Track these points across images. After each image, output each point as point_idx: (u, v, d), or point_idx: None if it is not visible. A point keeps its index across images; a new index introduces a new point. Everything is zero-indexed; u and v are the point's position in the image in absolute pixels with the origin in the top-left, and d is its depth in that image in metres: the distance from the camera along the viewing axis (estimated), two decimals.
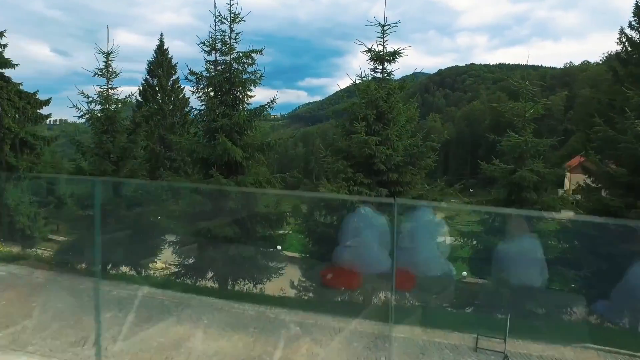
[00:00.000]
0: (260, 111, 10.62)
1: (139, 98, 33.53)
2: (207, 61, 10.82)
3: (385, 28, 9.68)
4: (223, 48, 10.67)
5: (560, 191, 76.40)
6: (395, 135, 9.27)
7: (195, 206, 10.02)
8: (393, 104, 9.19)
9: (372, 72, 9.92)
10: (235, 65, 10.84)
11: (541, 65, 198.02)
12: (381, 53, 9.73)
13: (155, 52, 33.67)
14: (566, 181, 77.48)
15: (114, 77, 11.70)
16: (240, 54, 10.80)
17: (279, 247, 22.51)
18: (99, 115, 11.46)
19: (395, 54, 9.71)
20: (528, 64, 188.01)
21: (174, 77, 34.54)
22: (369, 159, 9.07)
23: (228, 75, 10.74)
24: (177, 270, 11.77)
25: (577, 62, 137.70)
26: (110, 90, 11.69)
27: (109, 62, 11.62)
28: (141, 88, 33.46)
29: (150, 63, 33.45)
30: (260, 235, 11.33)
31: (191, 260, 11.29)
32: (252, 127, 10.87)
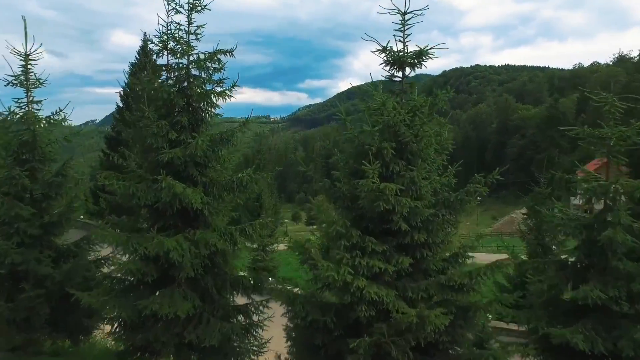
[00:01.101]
0: (229, 136, 7.51)
1: (120, 104, 30.59)
2: (157, 66, 7.76)
3: (407, 17, 6.58)
4: (177, 47, 7.59)
5: (574, 199, 73.00)
6: (423, 176, 6.15)
7: (134, 274, 6.94)
8: (420, 131, 6.07)
9: (388, 79, 6.83)
10: (195, 71, 7.77)
11: (548, 67, 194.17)
12: (401, 54, 6.62)
13: (138, 52, 30.64)
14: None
15: (34, 87, 8.66)
16: (203, 56, 7.73)
17: (270, 279, 19.12)
18: (11, 139, 8.40)
19: (421, 56, 6.60)
20: (535, 65, 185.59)
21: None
22: (385, 215, 5.96)
23: (185, 85, 7.67)
24: (121, 349, 8.68)
25: (585, 63, 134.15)
26: (30, 105, 8.65)
27: (28, 66, 8.57)
28: (122, 93, 30.48)
29: (132, 65, 30.42)
30: (232, 307, 8.25)
31: (137, 341, 8.18)
32: (219, 158, 7.78)
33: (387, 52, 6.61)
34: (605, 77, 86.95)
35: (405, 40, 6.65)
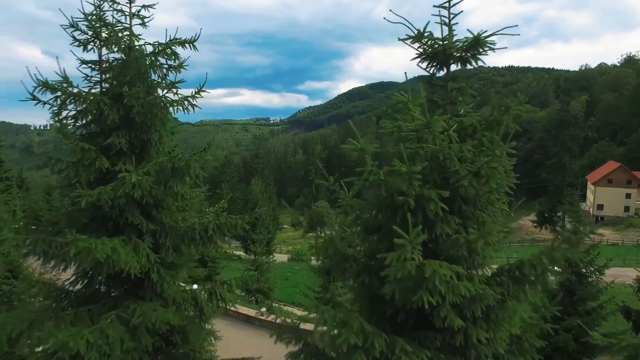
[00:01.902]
0: (184, 167, 5.11)
1: None
2: (85, 62, 5.42)
3: None
4: (111, 36, 5.23)
5: (584, 204, 70.51)
6: (487, 240, 3.75)
7: None
8: (484, 167, 3.67)
9: (427, 82, 4.48)
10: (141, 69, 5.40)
11: (553, 68, 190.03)
12: (445, 43, 4.23)
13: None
14: (589, 195, 71.96)
15: None
16: (153, 48, 5.39)
17: (264, 309, 16.63)
18: None
19: (477, 46, 4.21)
20: (539, 66, 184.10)
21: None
22: (427, 308, 3.57)
23: (123, 90, 5.30)
24: None
25: (591, 64, 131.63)
26: None
27: None
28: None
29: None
30: None
31: None
32: (175, 195, 5.40)
33: (425, 41, 4.22)
34: (615, 79, 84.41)
35: (452, 22, 4.27)
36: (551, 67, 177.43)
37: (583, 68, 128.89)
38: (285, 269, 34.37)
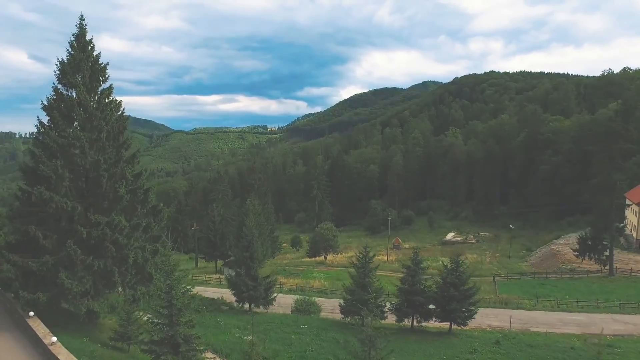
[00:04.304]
0: None
1: (43, 119, 20.50)
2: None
3: None
4: None
5: (625, 227, 59.93)
6: None
7: None
8: None
9: None
10: None
11: (567, 73, 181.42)
12: None
13: (72, 45, 20.50)
14: (630, 215, 63.00)
15: None
16: None
17: None
18: None
19: None
20: (553, 71, 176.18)
21: (104, 86, 21.40)
22: None
23: None
24: None
25: (603, 69, 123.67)
26: None
27: None
28: (47, 104, 20.40)
29: (62, 64, 20.27)
30: None
31: None
32: None
33: None
34: None
35: None
36: (565, 72, 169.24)
37: (605, 73, 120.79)
38: (288, 326, 26.32)
